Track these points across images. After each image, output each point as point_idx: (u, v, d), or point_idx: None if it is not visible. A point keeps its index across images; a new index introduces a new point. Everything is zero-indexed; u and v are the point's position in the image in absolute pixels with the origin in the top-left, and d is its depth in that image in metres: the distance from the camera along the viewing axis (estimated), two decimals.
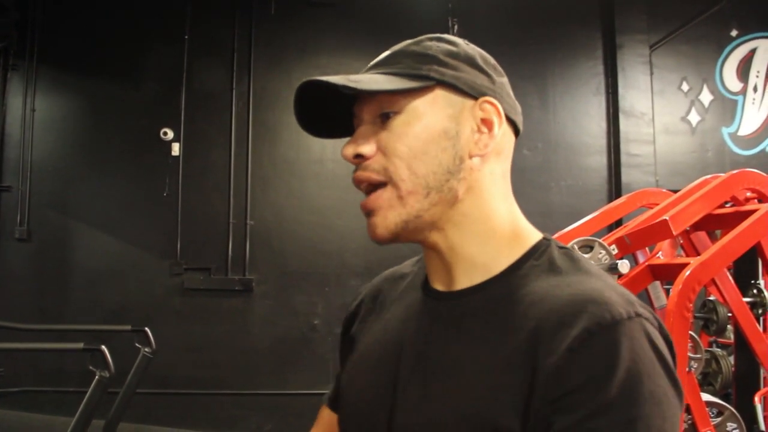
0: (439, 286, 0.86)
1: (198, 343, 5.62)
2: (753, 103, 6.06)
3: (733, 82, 6.07)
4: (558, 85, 5.98)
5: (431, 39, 0.85)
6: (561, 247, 0.83)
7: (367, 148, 0.81)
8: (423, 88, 0.80)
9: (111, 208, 5.83)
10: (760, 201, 2.78)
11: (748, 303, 2.61)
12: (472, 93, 0.82)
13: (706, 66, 6.05)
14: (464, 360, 0.76)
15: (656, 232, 2.48)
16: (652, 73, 5.97)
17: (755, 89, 6.06)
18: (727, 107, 6.05)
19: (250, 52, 5.93)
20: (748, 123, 6.04)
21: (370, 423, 0.83)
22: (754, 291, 2.74)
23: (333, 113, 0.87)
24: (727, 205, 2.80)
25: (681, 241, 2.98)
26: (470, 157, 0.81)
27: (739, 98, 6.06)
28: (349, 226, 5.74)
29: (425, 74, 0.80)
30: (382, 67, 0.83)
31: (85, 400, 3.24)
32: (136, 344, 4.20)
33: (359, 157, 0.81)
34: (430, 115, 0.80)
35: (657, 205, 2.96)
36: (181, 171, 5.79)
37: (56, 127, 5.99)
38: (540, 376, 0.69)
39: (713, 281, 2.41)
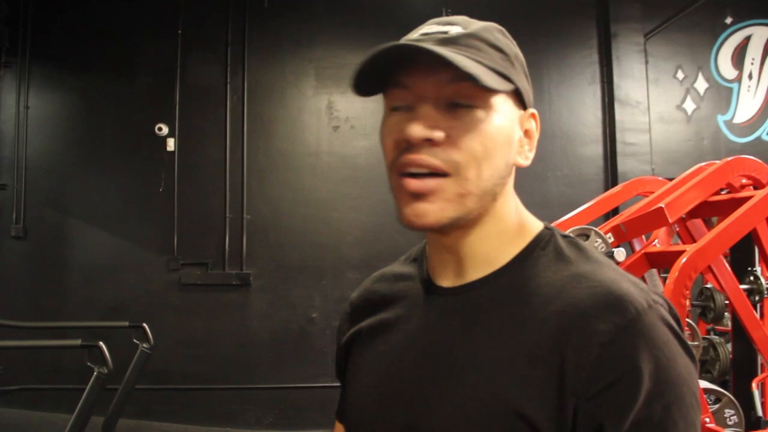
0: (445, 282, 0.85)
1: (196, 338, 5.62)
2: (748, 90, 6.05)
3: (728, 70, 6.06)
4: (553, 74, 5.97)
5: (497, 30, 0.82)
6: (564, 236, 0.84)
7: (439, 134, 0.75)
8: (506, 91, 0.78)
9: (107, 204, 5.81)
10: (755, 188, 2.78)
11: (744, 290, 2.62)
12: (526, 103, 0.83)
13: (701, 54, 6.05)
14: (484, 352, 0.76)
15: (652, 219, 2.48)
16: (647, 62, 5.96)
17: (750, 76, 6.06)
18: (723, 95, 6.04)
19: (244, 46, 5.91)
20: (744, 110, 6.04)
21: (383, 422, 0.83)
22: (751, 278, 2.75)
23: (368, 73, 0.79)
24: (723, 192, 2.80)
25: (677, 229, 2.98)
26: (514, 164, 0.82)
27: (735, 86, 6.05)
28: (346, 218, 5.74)
29: (509, 77, 0.78)
30: (466, 49, 0.76)
31: (83, 396, 3.24)
32: (134, 340, 4.20)
33: (427, 142, 0.75)
34: (503, 119, 0.79)
35: (652, 193, 2.96)
36: (177, 166, 5.77)
37: (50, 124, 5.97)
38: (571, 369, 0.70)
39: (710, 269, 2.41)
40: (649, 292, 0.75)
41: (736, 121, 6.01)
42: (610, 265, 0.79)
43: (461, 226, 0.80)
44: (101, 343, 3.27)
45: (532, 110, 0.84)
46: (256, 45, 5.92)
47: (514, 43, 0.84)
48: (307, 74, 5.93)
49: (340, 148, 5.87)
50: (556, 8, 6.03)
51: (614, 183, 5.52)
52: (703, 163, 2.93)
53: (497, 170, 0.78)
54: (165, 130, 5.77)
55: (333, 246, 5.75)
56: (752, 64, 6.06)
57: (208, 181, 5.83)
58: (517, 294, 0.78)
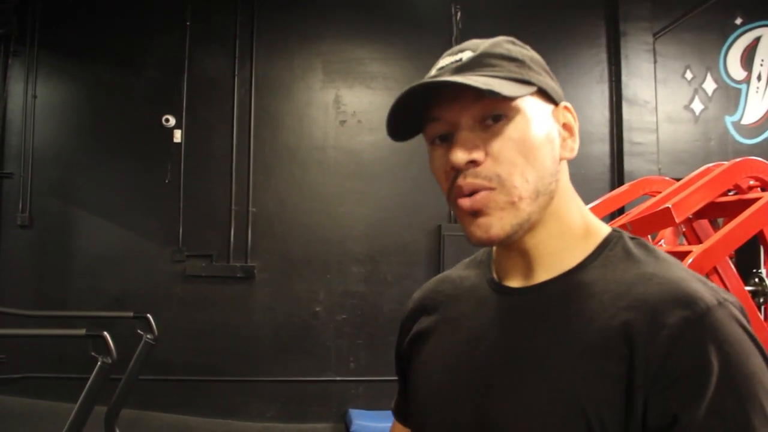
0: (513, 283, 0.88)
1: (200, 329, 5.64)
2: (757, 91, 6.03)
3: (737, 71, 6.04)
4: (561, 73, 5.96)
5: (506, 41, 0.86)
6: (632, 238, 0.86)
7: (479, 155, 0.80)
8: (526, 94, 0.81)
9: (113, 194, 5.82)
10: (762, 189, 2.77)
11: (749, 292, 2.61)
12: (556, 99, 0.86)
13: (709, 54, 6.03)
14: (552, 348, 0.79)
15: (659, 219, 2.47)
16: (655, 61, 5.95)
17: (759, 78, 6.04)
18: (731, 96, 6.03)
19: (252, 38, 5.91)
20: (752, 112, 6.02)
21: (453, 416, 0.85)
22: (756, 280, 2.74)
23: (404, 117, 0.85)
24: (730, 194, 2.79)
25: (683, 229, 2.97)
26: (560, 159, 0.85)
27: (743, 87, 6.03)
28: (351, 213, 5.74)
29: (528, 80, 0.82)
30: (479, 69, 0.81)
31: (87, 386, 3.25)
32: (138, 331, 4.21)
33: (472, 163, 0.80)
34: (536, 121, 0.82)
35: (659, 193, 2.95)
36: (183, 158, 5.78)
37: (57, 113, 5.98)
38: (640, 363, 0.72)
39: (715, 270, 2.40)
40: (719, 291, 0.76)
41: (744, 122, 6.00)
42: (678, 264, 0.81)
43: (529, 228, 0.83)
44: (105, 333, 3.27)
45: (564, 103, 0.87)
46: (263, 38, 5.92)
47: (528, 48, 0.87)
48: (314, 68, 5.93)
49: (346, 142, 5.87)
50: (564, 6, 6.02)
51: (620, 182, 5.52)
52: (711, 164, 2.92)
53: (543, 170, 0.82)
54: (172, 121, 5.77)
55: (338, 240, 5.75)
56: (761, 65, 6.04)
57: (214, 174, 5.84)
58: (585, 292, 0.81)
